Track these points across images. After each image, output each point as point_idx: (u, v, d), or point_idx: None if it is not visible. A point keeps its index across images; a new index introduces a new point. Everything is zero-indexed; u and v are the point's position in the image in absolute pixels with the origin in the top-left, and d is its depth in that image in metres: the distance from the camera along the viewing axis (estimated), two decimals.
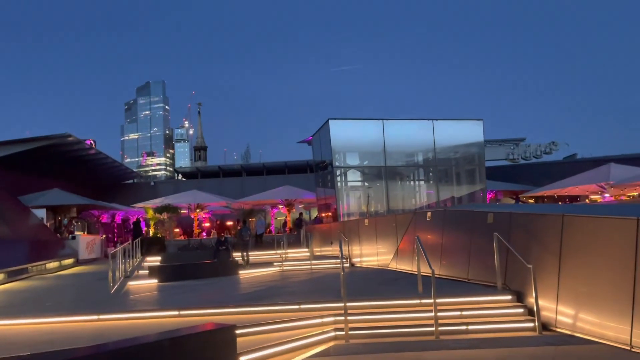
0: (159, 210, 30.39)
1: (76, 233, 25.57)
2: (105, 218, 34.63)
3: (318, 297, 10.27)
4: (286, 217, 32.92)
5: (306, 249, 21.28)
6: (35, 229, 23.28)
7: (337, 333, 8.17)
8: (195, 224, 32.72)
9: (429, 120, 24.77)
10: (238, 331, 7.03)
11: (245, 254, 18.98)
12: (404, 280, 12.48)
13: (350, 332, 8.04)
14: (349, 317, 8.11)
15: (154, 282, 14.97)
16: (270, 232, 33.40)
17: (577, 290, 7.83)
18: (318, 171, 27.40)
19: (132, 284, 14.60)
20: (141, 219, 31.74)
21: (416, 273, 10.39)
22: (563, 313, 8.03)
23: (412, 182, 26.21)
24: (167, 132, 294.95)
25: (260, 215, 31.84)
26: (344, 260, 12.82)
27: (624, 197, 23.94)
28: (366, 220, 18.20)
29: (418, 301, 9.22)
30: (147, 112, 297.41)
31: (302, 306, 9.33)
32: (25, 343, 7.51)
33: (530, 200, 29.09)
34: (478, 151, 25.64)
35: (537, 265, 8.41)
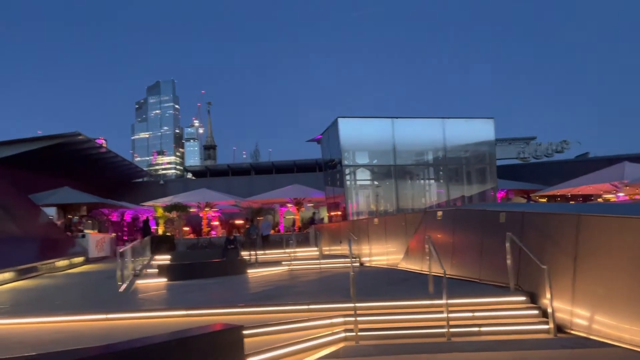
0: (168, 208, 30.49)
1: (86, 231, 25.63)
2: (115, 216, 34.73)
3: (327, 297, 10.14)
4: (295, 216, 32.83)
5: (315, 248, 21.17)
6: (45, 227, 23.37)
7: (347, 334, 8.03)
8: (205, 222, 32.74)
9: (439, 118, 24.57)
10: (246, 332, 6.91)
11: (253, 252, 18.94)
12: (414, 280, 12.32)
13: (360, 333, 7.90)
14: (359, 318, 7.98)
15: (162, 280, 14.92)
16: (279, 231, 33.34)
17: (594, 292, 7.62)
18: (327, 170, 27.27)
19: (140, 282, 14.56)
20: (150, 218, 31.84)
21: (426, 273, 10.24)
22: (578, 315, 7.83)
23: (422, 181, 26.00)
24: (177, 131, 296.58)
25: (267, 217, 31.77)
26: (353, 259, 12.68)
27: (638, 197, 23.53)
28: (376, 220, 18.04)
29: (429, 302, 9.04)
30: (157, 111, 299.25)
31: (311, 306, 9.19)
32: (31, 342, 7.45)
33: (541, 200, 28.75)
34: (489, 150, 25.38)
35: (552, 266, 8.19)
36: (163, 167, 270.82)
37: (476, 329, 8.11)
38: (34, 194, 26.64)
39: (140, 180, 49.46)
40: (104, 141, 46.58)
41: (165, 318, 9.26)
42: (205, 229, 32.60)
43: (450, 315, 7.93)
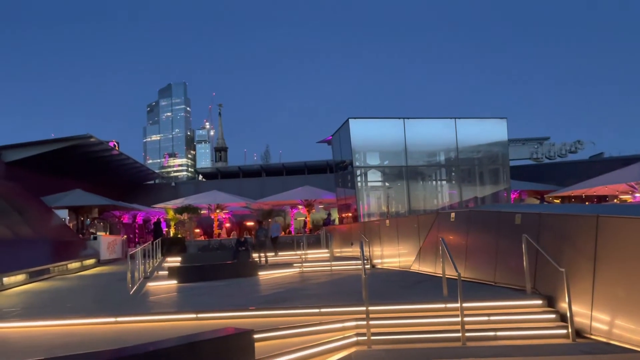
0: (179, 210, 30.56)
1: (98, 233, 25.75)
2: (126, 218, 34.91)
3: (339, 301, 9.99)
4: (306, 218, 32.72)
5: (326, 250, 21.02)
6: (57, 230, 23.49)
7: (359, 338, 7.86)
8: (215, 224, 32.75)
9: (451, 119, 24.29)
10: (256, 336, 6.81)
11: (263, 254, 18.86)
12: (427, 282, 12.13)
13: (372, 338, 7.73)
14: (371, 322, 7.81)
15: (173, 283, 14.87)
16: (289, 232, 33.26)
17: (614, 295, 7.39)
18: (338, 171, 27.12)
19: (151, 285, 14.52)
20: (162, 220, 31.92)
21: (439, 275, 10.05)
22: (598, 319, 7.59)
23: (434, 182, 25.74)
24: (189, 133, 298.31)
25: (276, 219, 31.68)
26: (365, 261, 12.52)
27: None
28: (387, 221, 17.86)
29: (443, 305, 8.86)
30: (168, 114, 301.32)
31: (323, 310, 9.04)
32: (40, 346, 7.39)
33: (556, 200, 28.34)
34: (502, 150, 25.05)
35: (570, 269, 7.97)
36: (175, 169, 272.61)
37: (492, 333, 7.89)
38: (46, 196, 26.83)
39: (151, 182, 49.72)
40: (115, 144, 46.81)
41: (175, 321, 9.18)
42: (216, 230, 32.61)
43: (466, 319, 7.72)
